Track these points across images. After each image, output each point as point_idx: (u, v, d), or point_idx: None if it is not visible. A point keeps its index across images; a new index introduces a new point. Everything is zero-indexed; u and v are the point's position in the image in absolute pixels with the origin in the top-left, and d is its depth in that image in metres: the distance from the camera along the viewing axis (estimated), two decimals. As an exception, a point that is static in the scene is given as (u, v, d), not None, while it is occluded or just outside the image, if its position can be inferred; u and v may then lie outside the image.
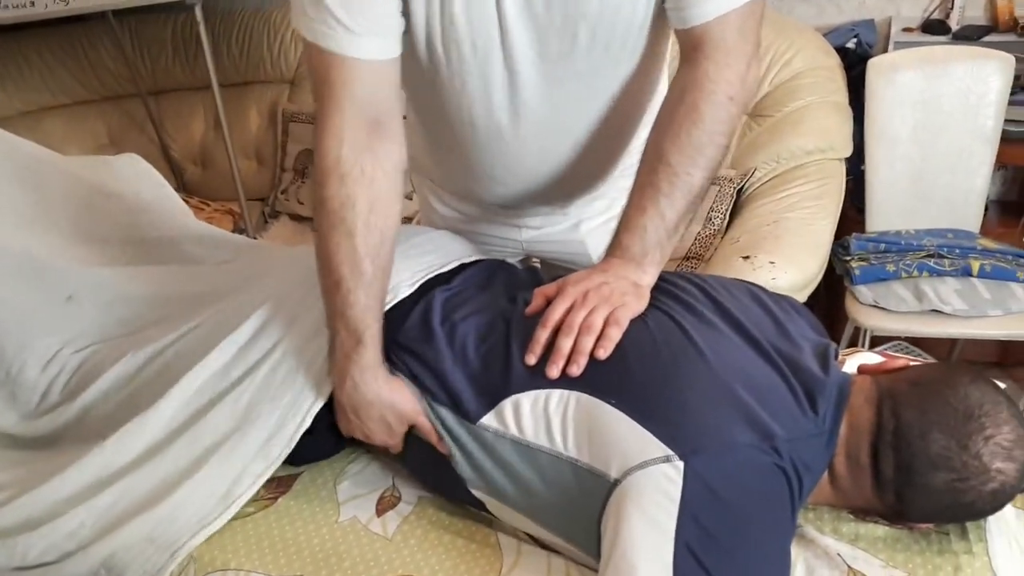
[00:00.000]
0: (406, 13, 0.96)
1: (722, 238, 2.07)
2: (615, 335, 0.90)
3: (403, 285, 1.05)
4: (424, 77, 1.05)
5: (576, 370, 0.89)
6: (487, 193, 1.23)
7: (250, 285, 1.15)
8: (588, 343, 0.90)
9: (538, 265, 1.45)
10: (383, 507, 1.04)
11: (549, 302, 0.97)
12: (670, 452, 0.81)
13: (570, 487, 0.88)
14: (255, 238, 2.56)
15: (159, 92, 2.94)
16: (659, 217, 0.95)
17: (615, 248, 0.99)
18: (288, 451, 1.02)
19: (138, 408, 1.05)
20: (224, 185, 2.76)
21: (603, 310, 0.92)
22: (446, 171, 1.26)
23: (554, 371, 0.90)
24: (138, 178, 1.50)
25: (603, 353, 0.89)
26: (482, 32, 0.96)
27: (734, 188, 2.15)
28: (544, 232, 1.30)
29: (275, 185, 2.77)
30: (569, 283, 0.97)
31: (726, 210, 2.13)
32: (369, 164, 0.96)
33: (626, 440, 0.84)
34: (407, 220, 2.48)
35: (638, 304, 0.94)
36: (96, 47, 2.88)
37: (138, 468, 1.02)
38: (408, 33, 0.98)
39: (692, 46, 0.97)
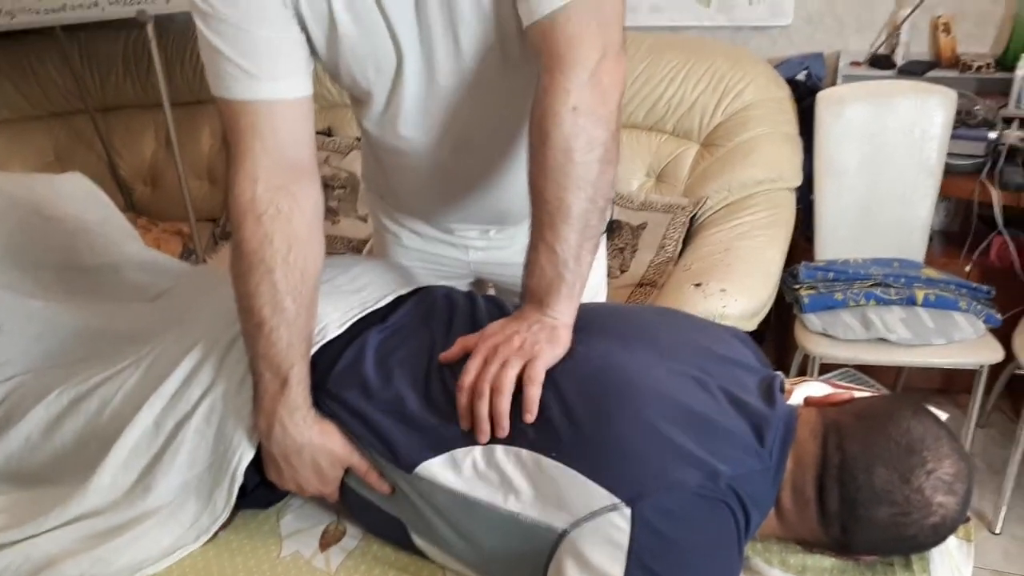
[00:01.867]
0: (313, 52, 0.98)
1: (675, 265, 2.08)
2: (535, 394, 0.87)
3: (332, 326, 1.02)
4: (351, 97, 1.08)
5: (501, 433, 0.87)
6: (424, 209, 1.24)
7: (183, 324, 1.12)
8: (503, 404, 0.87)
9: (491, 289, 1.44)
10: (327, 541, 1.01)
11: (468, 353, 0.94)
12: (616, 500, 0.80)
13: (512, 539, 0.86)
14: (205, 260, 2.51)
15: (108, 109, 2.88)
16: (549, 251, 0.92)
17: (522, 293, 0.96)
18: (231, 506, 1.00)
19: (71, 466, 1.02)
20: (174, 205, 2.70)
21: (515, 364, 0.88)
22: (389, 186, 1.26)
23: (482, 437, 0.88)
24: (82, 198, 1.46)
25: (529, 417, 0.87)
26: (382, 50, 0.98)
27: (687, 216, 2.17)
28: (491, 255, 1.29)
29: (227, 206, 2.72)
30: (482, 338, 0.94)
31: (679, 238, 2.15)
32: (286, 204, 0.95)
33: (570, 492, 0.82)
34: (363, 243, 2.47)
35: (553, 350, 0.90)
36: (43, 62, 2.82)
37: (77, 522, 0.99)
38: (322, 63, 1.00)
39: (535, 54, 0.93)
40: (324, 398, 0.98)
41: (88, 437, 1.04)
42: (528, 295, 0.95)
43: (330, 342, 1.01)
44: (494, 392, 0.88)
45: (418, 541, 0.95)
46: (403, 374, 0.97)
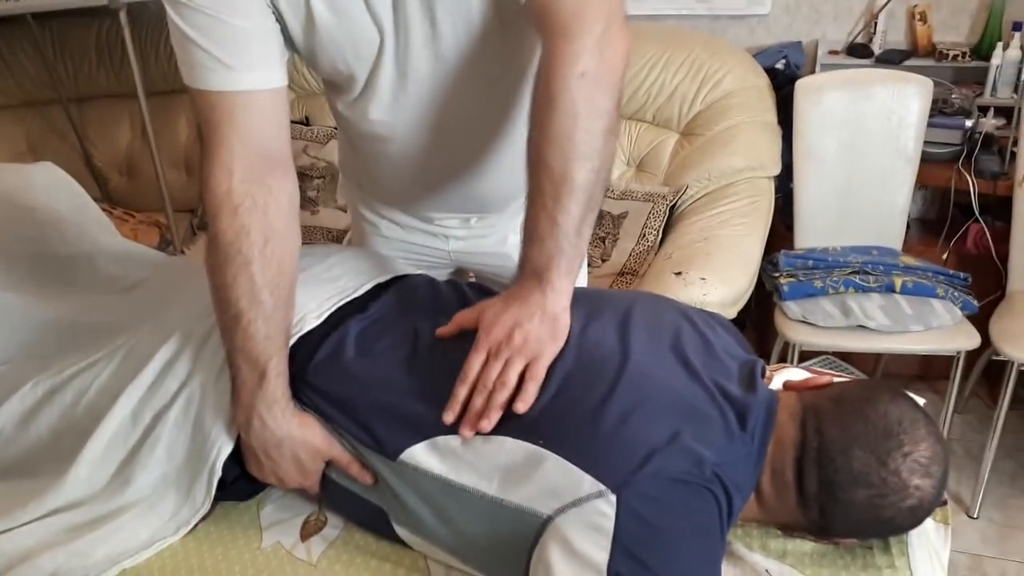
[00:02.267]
0: (289, 42, 0.96)
1: (655, 254, 2.09)
2: (533, 390, 0.86)
3: (310, 316, 1.01)
4: (326, 82, 1.07)
5: (488, 426, 0.86)
6: (403, 198, 1.23)
7: (158, 315, 1.10)
8: (501, 397, 0.87)
9: (472, 279, 1.44)
10: (308, 531, 1.01)
11: (462, 331, 0.94)
12: (602, 487, 0.80)
13: (496, 525, 0.86)
14: (182, 251, 2.49)
15: (82, 99, 2.84)
16: (551, 223, 0.89)
17: (521, 264, 0.95)
18: (211, 499, 0.99)
19: (48, 459, 1.01)
20: (151, 196, 2.66)
21: (518, 363, 0.87)
22: (367, 174, 1.25)
23: (467, 431, 0.87)
24: (55, 188, 1.43)
25: (522, 407, 0.86)
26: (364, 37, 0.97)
27: (667, 205, 2.18)
28: (471, 243, 1.29)
29: (202, 198, 2.69)
30: (484, 324, 0.92)
31: (659, 227, 2.15)
32: (262, 196, 0.94)
33: (557, 479, 0.82)
34: (343, 233, 2.46)
35: (556, 345, 0.90)
36: (14, 51, 2.77)
37: (54, 515, 0.98)
38: (298, 54, 0.99)
39: (537, 26, 0.93)
40: (304, 389, 0.97)
41: (64, 429, 1.02)
42: (527, 267, 0.93)
43: (308, 333, 1.00)
44: (496, 386, 0.87)
45: (400, 530, 0.95)
46: (386, 363, 0.96)
